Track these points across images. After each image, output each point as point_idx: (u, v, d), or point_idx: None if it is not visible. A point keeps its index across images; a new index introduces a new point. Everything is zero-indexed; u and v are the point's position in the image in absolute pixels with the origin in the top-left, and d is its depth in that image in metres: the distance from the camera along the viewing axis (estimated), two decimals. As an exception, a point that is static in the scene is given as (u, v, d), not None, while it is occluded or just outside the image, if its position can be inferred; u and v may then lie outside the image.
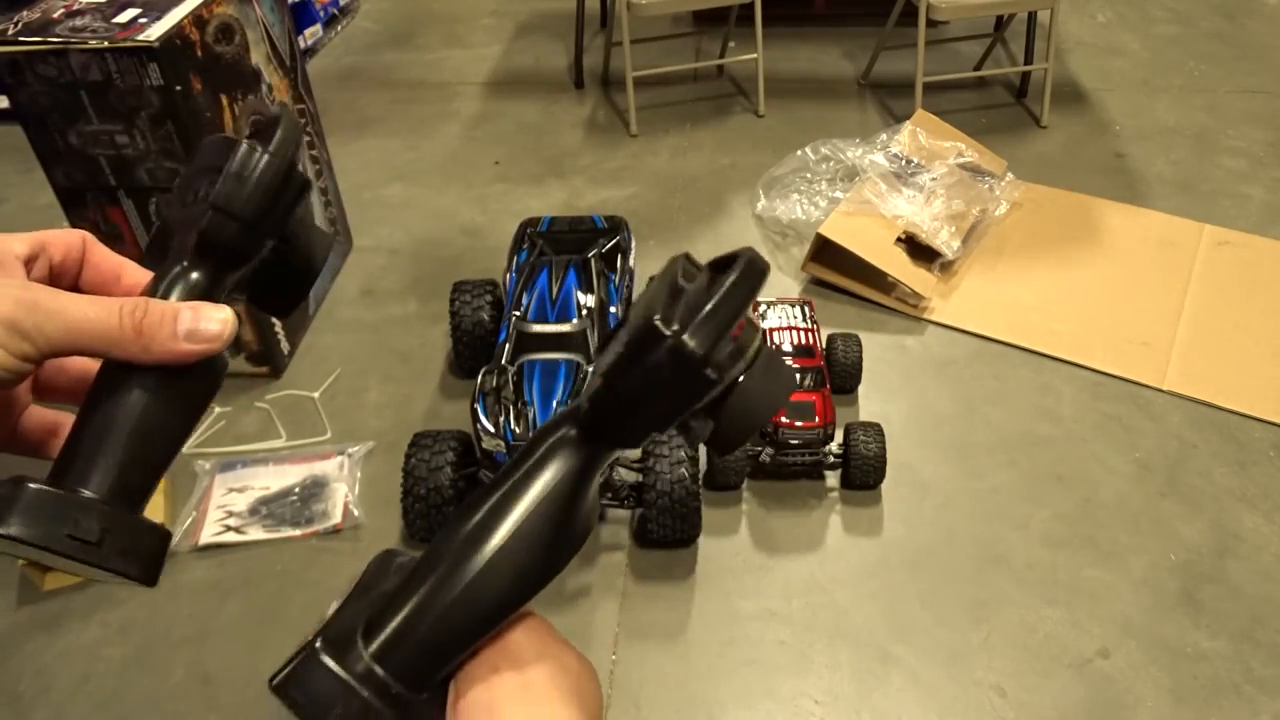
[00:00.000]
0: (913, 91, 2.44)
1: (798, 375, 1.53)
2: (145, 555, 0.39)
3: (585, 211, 2.17)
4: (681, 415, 0.40)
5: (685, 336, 0.37)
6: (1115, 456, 1.60)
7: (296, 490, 1.54)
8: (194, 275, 0.43)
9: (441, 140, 2.55)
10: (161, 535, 0.40)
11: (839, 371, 1.66)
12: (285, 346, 1.80)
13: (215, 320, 0.41)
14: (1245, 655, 1.30)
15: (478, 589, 0.41)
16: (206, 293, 0.43)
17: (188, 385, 0.42)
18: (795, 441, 1.47)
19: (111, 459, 0.40)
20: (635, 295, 1.80)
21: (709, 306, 0.38)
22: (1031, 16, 2.59)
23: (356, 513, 1.50)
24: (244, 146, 0.43)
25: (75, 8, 1.47)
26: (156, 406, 0.41)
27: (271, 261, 0.47)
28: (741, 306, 0.39)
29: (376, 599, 0.42)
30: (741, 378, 0.40)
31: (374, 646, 0.40)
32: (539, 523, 0.41)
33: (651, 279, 0.47)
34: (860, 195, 2.00)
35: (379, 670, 0.39)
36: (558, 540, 0.42)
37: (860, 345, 1.68)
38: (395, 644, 0.40)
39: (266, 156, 0.43)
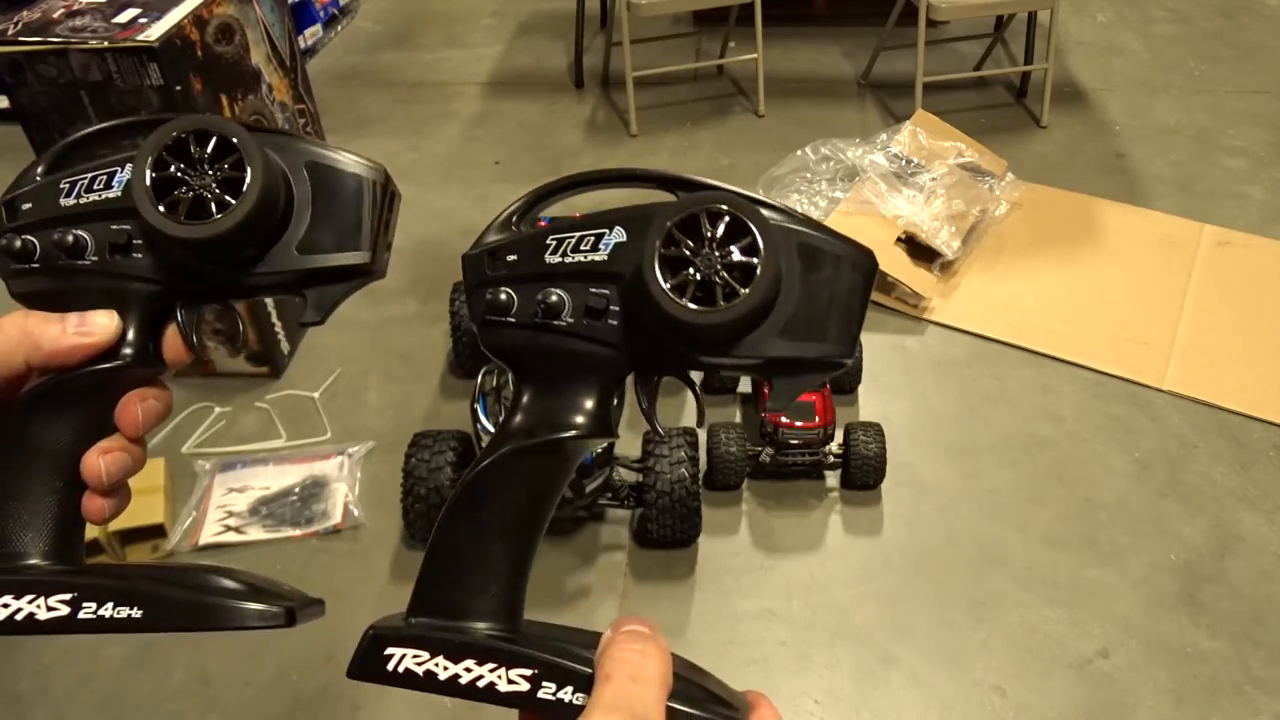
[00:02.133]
0: (913, 91, 2.44)
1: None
2: None
3: (585, 212, 2.16)
4: (481, 289, 0.45)
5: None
6: (1115, 456, 1.60)
7: (296, 490, 1.54)
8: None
9: (441, 140, 2.55)
10: None
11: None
12: (285, 346, 1.80)
13: (102, 315, 0.43)
14: (1245, 655, 1.30)
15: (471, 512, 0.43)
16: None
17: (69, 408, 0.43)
18: (795, 441, 1.47)
19: None
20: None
21: None
22: (1031, 16, 2.59)
23: (356, 513, 1.50)
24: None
25: (75, 8, 1.47)
26: (27, 440, 0.43)
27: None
28: (514, 209, 0.47)
29: None
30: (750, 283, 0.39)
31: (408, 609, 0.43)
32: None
33: None
34: (860, 195, 2.00)
35: (413, 620, 0.42)
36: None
37: (860, 345, 1.68)
38: (418, 596, 0.43)
39: None
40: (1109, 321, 1.87)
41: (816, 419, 1.47)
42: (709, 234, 0.40)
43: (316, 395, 1.73)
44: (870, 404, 1.71)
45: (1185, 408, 1.68)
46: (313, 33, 3.02)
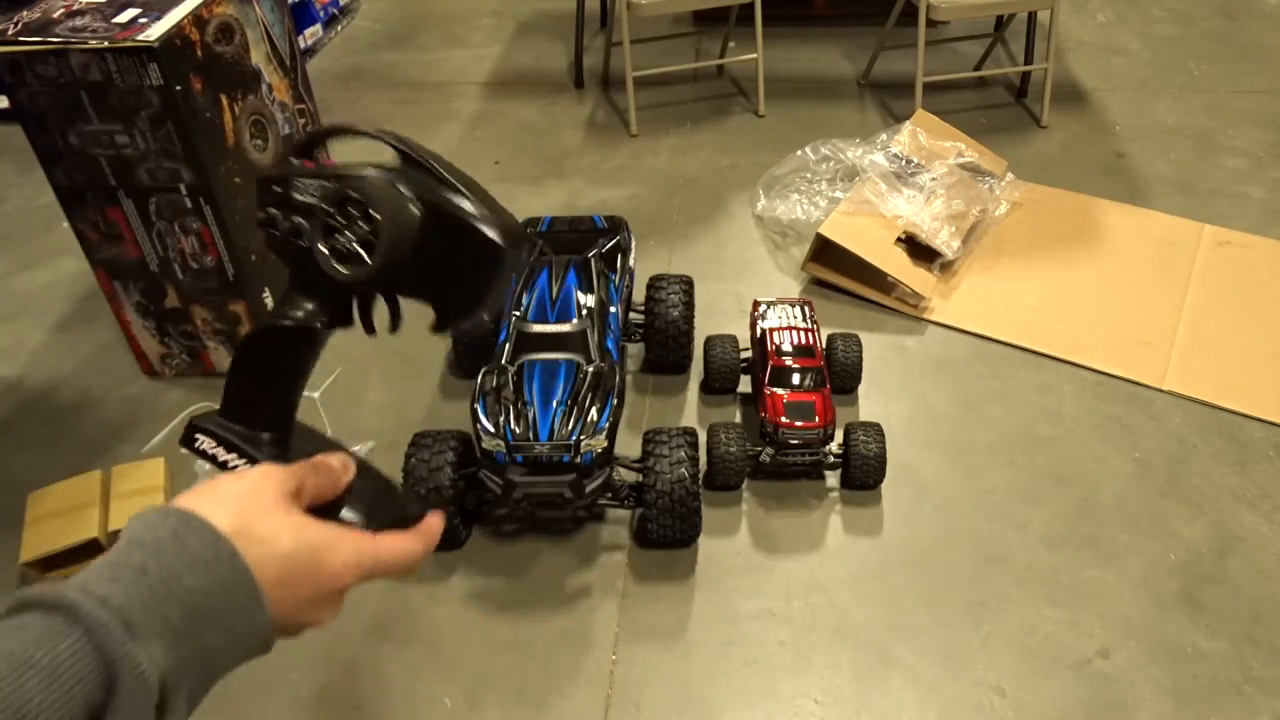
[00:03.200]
0: (913, 91, 2.44)
1: (796, 375, 1.53)
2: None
3: (585, 211, 2.17)
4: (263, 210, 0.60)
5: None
6: (1115, 456, 1.60)
7: (296, 490, 1.54)
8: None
9: (441, 140, 2.55)
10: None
11: (839, 371, 1.66)
12: (285, 346, 1.79)
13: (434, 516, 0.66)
14: (1245, 655, 1.30)
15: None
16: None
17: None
18: (795, 441, 1.47)
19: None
20: (635, 295, 1.80)
21: None
22: (1031, 16, 2.59)
23: (356, 513, 1.50)
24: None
25: (75, 8, 1.47)
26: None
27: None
28: (290, 149, 0.64)
29: None
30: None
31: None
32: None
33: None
34: (860, 195, 2.00)
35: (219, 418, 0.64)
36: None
37: (860, 345, 1.68)
38: (223, 404, 0.64)
39: None
40: (1109, 321, 1.87)
41: (816, 419, 1.47)
42: (354, 209, 0.56)
43: (316, 395, 1.73)
44: (870, 404, 1.71)
45: (1185, 408, 1.69)
46: (313, 33, 3.02)
